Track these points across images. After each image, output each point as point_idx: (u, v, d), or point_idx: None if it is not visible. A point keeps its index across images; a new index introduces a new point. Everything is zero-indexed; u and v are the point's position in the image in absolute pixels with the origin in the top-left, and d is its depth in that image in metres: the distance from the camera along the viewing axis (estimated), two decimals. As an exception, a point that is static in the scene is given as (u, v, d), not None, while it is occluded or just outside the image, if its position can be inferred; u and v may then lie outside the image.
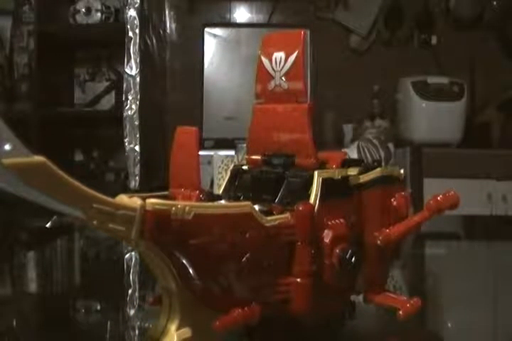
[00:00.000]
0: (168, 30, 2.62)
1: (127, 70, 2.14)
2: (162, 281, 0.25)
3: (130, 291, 0.53)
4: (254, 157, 0.34)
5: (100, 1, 2.38)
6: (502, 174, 2.05)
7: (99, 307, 0.49)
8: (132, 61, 2.13)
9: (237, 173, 0.34)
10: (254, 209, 0.27)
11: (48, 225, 0.90)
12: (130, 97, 2.13)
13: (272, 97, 0.34)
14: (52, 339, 0.41)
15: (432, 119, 2.20)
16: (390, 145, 1.39)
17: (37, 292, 0.56)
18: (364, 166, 0.32)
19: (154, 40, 2.38)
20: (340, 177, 0.30)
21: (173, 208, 0.23)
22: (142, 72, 2.14)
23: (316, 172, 0.30)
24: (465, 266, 0.67)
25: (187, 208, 0.24)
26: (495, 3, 2.51)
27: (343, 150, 1.36)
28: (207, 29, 2.51)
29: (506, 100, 2.38)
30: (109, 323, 0.44)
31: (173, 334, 0.24)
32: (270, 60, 0.34)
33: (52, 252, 0.80)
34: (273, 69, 0.34)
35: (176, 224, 0.23)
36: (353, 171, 0.32)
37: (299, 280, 0.28)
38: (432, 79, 2.22)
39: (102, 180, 2.54)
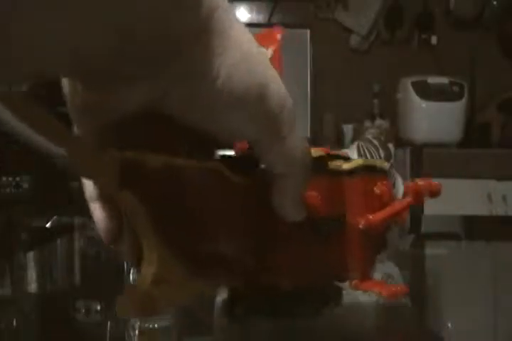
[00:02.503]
0: (168, 30, 2.63)
1: (127, 70, 2.14)
2: (142, 238, 0.24)
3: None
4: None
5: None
6: (502, 174, 2.05)
7: (99, 307, 0.49)
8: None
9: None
10: (223, 167, 0.26)
11: (47, 225, 0.90)
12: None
13: None
14: (52, 339, 0.41)
15: (432, 119, 2.20)
16: (390, 146, 1.39)
17: (37, 292, 0.56)
18: (347, 158, 0.33)
19: (154, 40, 2.38)
20: (317, 156, 0.31)
21: (148, 158, 0.23)
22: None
23: None
24: (465, 266, 0.67)
25: (161, 159, 0.23)
26: (495, 3, 2.51)
27: (343, 150, 1.36)
28: (207, 29, 2.51)
29: (506, 100, 2.38)
30: (109, 323, 0.44)
31: (148, 278, 0.24)
32: None
33: (52, 252, 0.80)
34: None
35: (153, 176, 0.23)
36: (336, 162, 0.32)
37: (275, 242, 0.28)
38: (432, 79, 2.22)
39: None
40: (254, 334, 0.35)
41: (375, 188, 0.32)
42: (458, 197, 2.01)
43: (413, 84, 2.23)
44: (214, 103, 0.23)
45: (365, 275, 0.32)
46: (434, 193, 0.32)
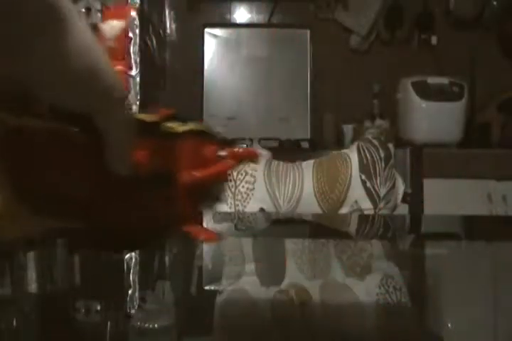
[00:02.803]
0: (168, 30, 2.62)
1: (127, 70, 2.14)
2: None
3: (130, 291, 0.53)
4: None
5: (100, 1, 2.38)
6: (502, 174, 2.05)
7: (99, 307, 0.49)
8: (132, 61, 2.13)
9: None
10: (69, 128, 0.31)
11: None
12: (130, 97, 2.13)
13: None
14: (52, 339, 0.41)
15: (432, 119, 2.20)
16: (390, 146, 1.39)
17: (37, 292, 0.56)
18: (181, 121, 0.38)
19: (154, 41, 2.38)
20: (152, 121, 0.36)
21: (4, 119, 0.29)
22: (142, 72, 2.14)
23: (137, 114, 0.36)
24: (465, 266, 0.67)
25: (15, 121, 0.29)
26: (495, 3, 2.51)
27: (343, 150, 1.36)
28: (207, 29, 2.51)
29: (506, 100, 2.38)
30: (109, 323, 0.44)
31: None
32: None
33: (52, 252, 0.80)
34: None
35: (9, 134, 0.29)
36: (172, 124, 0.37)
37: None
38: (432, 80, 2.22)
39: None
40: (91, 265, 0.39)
41: (202, 150, 0.37)
42: (458, 197, 2.01)
43: (413, 84, 2.23)
44: (63, 81, 0.29)
45: (192, 222, 0.37)
46: (252, 158, 0.38)
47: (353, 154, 1.31)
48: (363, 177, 1.28)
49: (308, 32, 2.53)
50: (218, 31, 2.51)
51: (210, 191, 0.38)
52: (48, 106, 0.30)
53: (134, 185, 0.34)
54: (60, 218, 0.32)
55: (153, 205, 0.35)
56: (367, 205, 1.27)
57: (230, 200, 1.27)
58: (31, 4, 0.27)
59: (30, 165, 0.30)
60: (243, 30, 2.52)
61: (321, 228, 1.11)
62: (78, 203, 0.32)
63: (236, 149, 0.38)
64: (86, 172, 0.32)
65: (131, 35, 2.14)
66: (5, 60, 0.28)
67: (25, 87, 0.29)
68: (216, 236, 0.38)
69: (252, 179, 1.27)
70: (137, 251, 0.70)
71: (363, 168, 1.29)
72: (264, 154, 1.34)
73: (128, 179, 0.32)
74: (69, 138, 0.31)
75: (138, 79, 2.13)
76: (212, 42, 2.51)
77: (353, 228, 1.10)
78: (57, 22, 0.28)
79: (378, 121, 2.45)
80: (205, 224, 0.40)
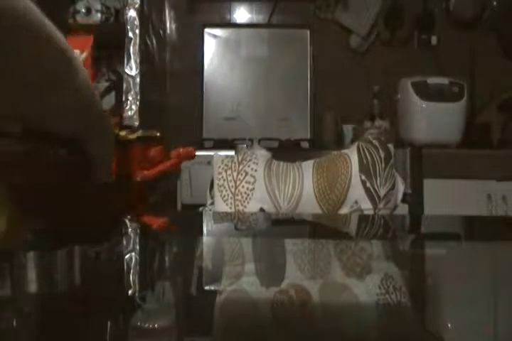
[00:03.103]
0: (168, 31, 2.62)
1: (127, 71, 2.14)
2: None
3: (130, 291, 0.53)
4: None
5: (100, 1, 2.39)
6: (502, 174, 2.05)
7: (99, 307, 0.49)
8: (132, 61, 2.13)
9: None
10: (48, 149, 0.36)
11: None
12: (130, 98, 2.13)
13: None
14: (52, 339, 0.41)
15: (432, 120, 2.20)
16: (390, 146, 1.39)
17: (37, 292, 0.56)
18: (131, 130, 0.43)
19: (154, 41, 2.38)
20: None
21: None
22: (142, 72, 2.14)
23: None
24: (465, 266, 0.67)
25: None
26: (495, 3, 2.51)
27: (343, 150, 1.36)
28: (207, 29, 2.51)
29: (506, 100, 2.38)
30: (109, 323, 0.44)
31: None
32: None
33: (52, 252, 0.80)
34: None
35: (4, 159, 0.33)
36: (124, 132, 0.43)
37: None
38: (432, 80, 2.22)
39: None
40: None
41: (150, 152, 0.43)
42: (458, 197, 2.01)
43: (413, 84, 2.23)
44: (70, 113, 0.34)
45: (142, 212, 0.44)
46: (191, 157, 0.44)
47: (353, 154, 1.31)
48: (363, 177, 1.28)
49: (308, 32, 2.54)
50: (218, 31, 2.51)
51: (158, 186, 0.44)
52: (22, 129, 0.34)
53: (101, 188, 0.39)
54: (40, 221, 0.37)
55: (112, 201, 0.41)
56: (367, 205, 1.27)
57: (230, 200, 1.27)
58: (50, 55, 0.32)
59: (18, 185, 0.34)
60: (243, 31, 2.52)
61: (321, 228, 1.11)
62: (55, 208, 0.37)
63: (178, 150, 0.44)
64: (63, 183, 0.37)
65: (131, 35, 2.13)
66: (23, 100, 0.32)
67: (34, 122, 0.33)
68: (163, 223, 0.44)
69: (252, 179, 1.27)
70: (137, 250, 0.70)
71: (363, 168, 1.29)
72: (265, 154, 1.34)
73: (98, 184, 0.37)
74: (46, 157, 0.35)
75: (138, 79, 2.13)
76: (212, 42, 2.51)
77: (352, 228, 1.10)
78: (69, 65, 0.33)
79: (378, 122, 2.45)
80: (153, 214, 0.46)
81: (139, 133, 0.42)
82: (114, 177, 0.39)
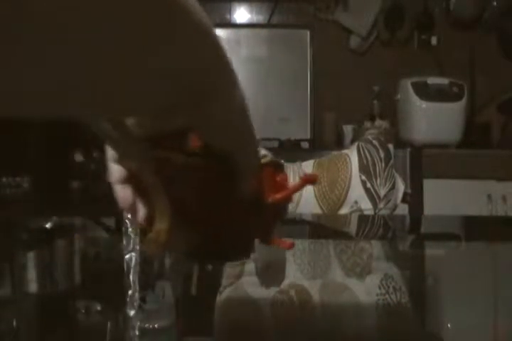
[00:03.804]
0: (168, 31, 2.62)
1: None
2: (156, 205, 0.36)
3: (130, 292, 0.53)
4: None
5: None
6: (502, 174, 2.05)
7: (99, 308, 0.49)
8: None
9: None
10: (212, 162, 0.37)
11: (47, 225, 0.90)
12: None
13: None
14: (52, 339, 0.41)
15: (432, 120, 2.20)
16: (390, 146, 1.39)
17: (37, 292, 0.56)
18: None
19: (154, 41, 2.38)
20: None
21: (171, 156, 0.35)
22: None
23: None
24: (465, 266, 0.67)
25: (179, 157, 0.36)
26: (495, 3, 2.51)
27: (343, 151, 1.36)
28: (207, 29, 2.51)
29: (506, 100, 2.38)
30: (109, 323, 0.44)
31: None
32: None
33: (52, 252, 0.80)
34: None
35: (172, 168, 0.36)
36: None
37: None
38: (431, 80, 2.22)
39: (102, 180, 2.54)
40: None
41: (277, 177, 0.46)
42: (458, 197, 2.01)
43: (413, 84, 2.23)
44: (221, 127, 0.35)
45: (273, 235, 0.45)
46: (315, 181, 0.47)
47: (353, 154, 1.31)
48: (363, 177, 1.28)
49: (308, 32, 2.53)
50: (218, 31, 2.51)
51: (284, 209, 0.47)
52: (200, 146, 0.36)
53: (244, 207, 0.41)
54: (196, 236, 0.39)
55: (251, 222, 0.43)
56: (367, 205, 1.27)
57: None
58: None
59: (190, 196, 0.37)
60: (243, 31, 2.52)
61: (321, 228, 1.11)
62: (211, 222, 0.39)
63: (304, 175, 0.47)
64: (222, 198, 0.39)
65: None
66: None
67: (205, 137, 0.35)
68: (291, 245, 0.45)
69: (252, 179, 1.27)
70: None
71: (363, 168, 1.29)
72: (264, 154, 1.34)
73: (243, 202, 0.40)
74: (213, 171, 0.38)
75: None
76: (212, 42, 2.51)
77: (353, 228, 1.10)
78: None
79: (378, 122, 2.45)
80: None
81: (269, 158, 0.45)
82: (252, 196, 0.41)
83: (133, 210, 0.39)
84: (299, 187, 0.47)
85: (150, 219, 0.38)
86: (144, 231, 0.40)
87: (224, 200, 0.39)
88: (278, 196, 0.44)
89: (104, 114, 0.30)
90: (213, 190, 0.38)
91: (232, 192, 0.39)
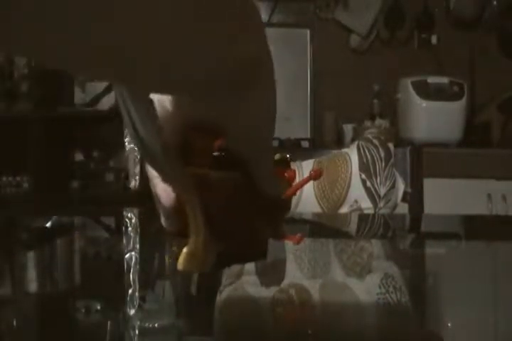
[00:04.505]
0: (168, 30, 2.62)
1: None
2: (193, 219, 0.36)
3: (130, 291, 0.53)
4: None
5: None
6: (502, 173, 2.05)
7: (99, 307, 0.49)
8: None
9: None
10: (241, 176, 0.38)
11: (47, 225, 0.90)
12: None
13: None
14: (52, 339, 0.41)
15: (432, 119, 2.20)
16: (390, 145, 1.39)
17: (37, 292, 0.56)
18: None
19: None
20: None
21: (207, 174, 0.36)
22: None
23: None
24: (465, 266, 0.67)
25: (214, 174, 0.37)
26: (495, 3, 2.51)
27: (343, 150, 1.36)
28: (207, 29, 2.51)
29: (506, 99, 2.38)
30: (109, 323, 0.44)
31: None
32: None
33: (52, 252, 0.80)
34: None
35: (210, 185, 0.36)
36: None
37: None
38: (432, 79, 2.23)
39: (102, 180, 2.55)
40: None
41: (285, 174, 0.46)
42: (458, 197, 2.01)
43: (413, 84, 2.23)
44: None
45: (283, 230, 0.45)
46: (320, 176, 0.47)
47: (353, 153, 1.31)
48: (363, 176, 1.28)
49: (308, 31, 2.54)
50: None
51: (290, 204, 0.48)
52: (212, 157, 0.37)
53: (262, 208, 0.41)
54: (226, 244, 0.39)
55: (266, 221, 0.44)
56: (367, 204, 1.27)
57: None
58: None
59: (221, 210, 0.37)
60: (243, 30, 2.52)
61: (321, 227, 1.11)
62: (235, 230, 0.39)
63: (312, 170, 0.47)
64: (248, 206, 0.40)
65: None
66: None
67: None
68: (301, 238, 0.46)
69: (252, 179, 1.27)
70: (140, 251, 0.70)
71: (363, 167, 1.29)
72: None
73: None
74: (240, 181, 0.39)
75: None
76: (212, 41, 2.51)
77: (353, 227, 1.10)
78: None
79: (378, 121, 2.45)
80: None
81: (277, 155, 0.45)
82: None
83: (173, 213, 0.39)
84: (305, 183, 0.48)
85: (185, 233, 0.38)
86: (179, 246, 0.39)
87: (249, 208, 0.40)
88: (288, 193, 0.45)
89: (149, 88, 0.29)
90: (241, 201, 0.39)
91: (254, 198, 0.40)
